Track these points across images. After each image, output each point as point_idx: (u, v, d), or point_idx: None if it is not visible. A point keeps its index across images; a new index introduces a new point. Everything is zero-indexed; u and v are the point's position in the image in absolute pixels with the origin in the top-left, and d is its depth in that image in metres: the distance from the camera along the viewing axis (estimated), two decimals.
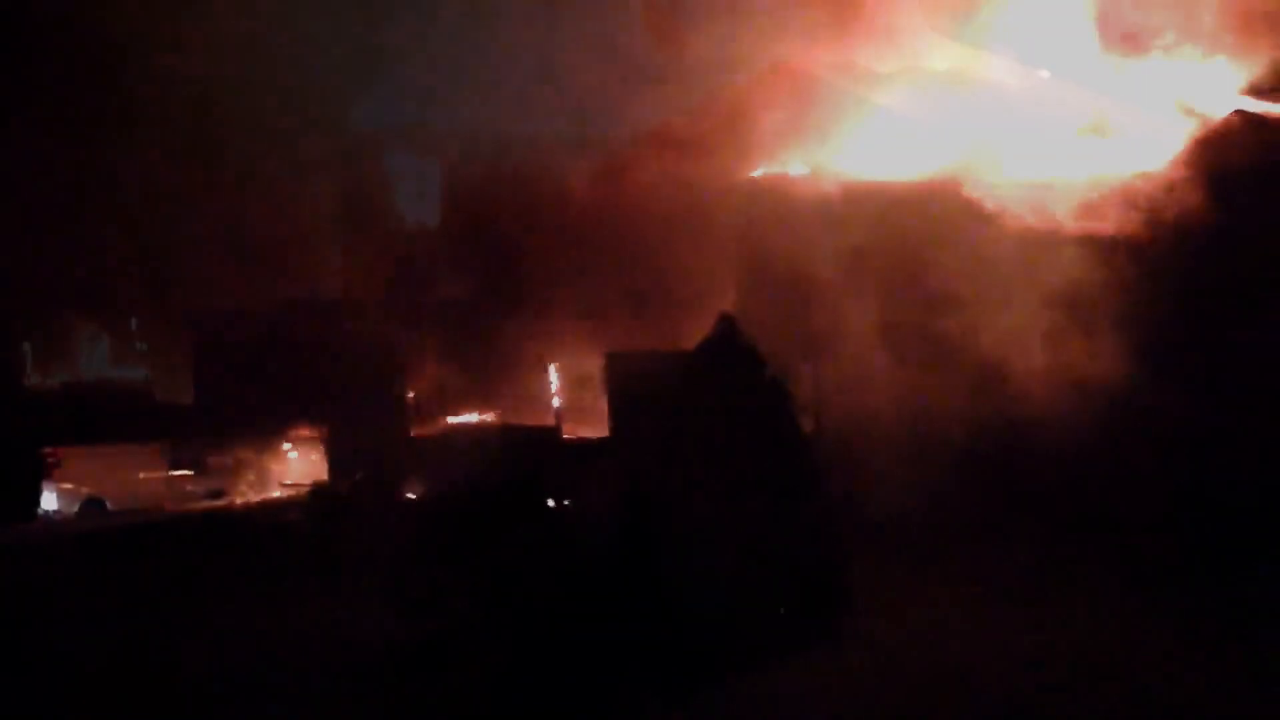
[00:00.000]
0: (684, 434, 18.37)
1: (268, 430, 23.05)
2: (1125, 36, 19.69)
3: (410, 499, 20.01)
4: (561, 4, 22.20)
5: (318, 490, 21.03)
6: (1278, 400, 18.17)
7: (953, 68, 20.81)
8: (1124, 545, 17.20)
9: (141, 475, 23.83)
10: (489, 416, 22.53)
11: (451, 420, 22.29)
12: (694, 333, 20.01)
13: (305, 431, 22.81)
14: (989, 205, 18.98)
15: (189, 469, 23.89)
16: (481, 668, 14.36)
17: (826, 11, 20.30)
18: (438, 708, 13.58)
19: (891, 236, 19.25)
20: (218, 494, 23.63)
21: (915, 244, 19.04)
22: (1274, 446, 18.03)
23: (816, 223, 19.82)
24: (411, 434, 21.71)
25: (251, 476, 23.41)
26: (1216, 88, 19.31)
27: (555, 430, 21.54)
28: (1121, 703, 12.42)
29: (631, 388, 20.74)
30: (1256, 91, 18.87)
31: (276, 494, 22.90)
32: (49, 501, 23.41)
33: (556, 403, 22.55)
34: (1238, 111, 18.92)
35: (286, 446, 23.47)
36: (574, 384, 22.87)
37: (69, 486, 23.52)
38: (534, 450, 20.29)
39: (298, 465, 23.19)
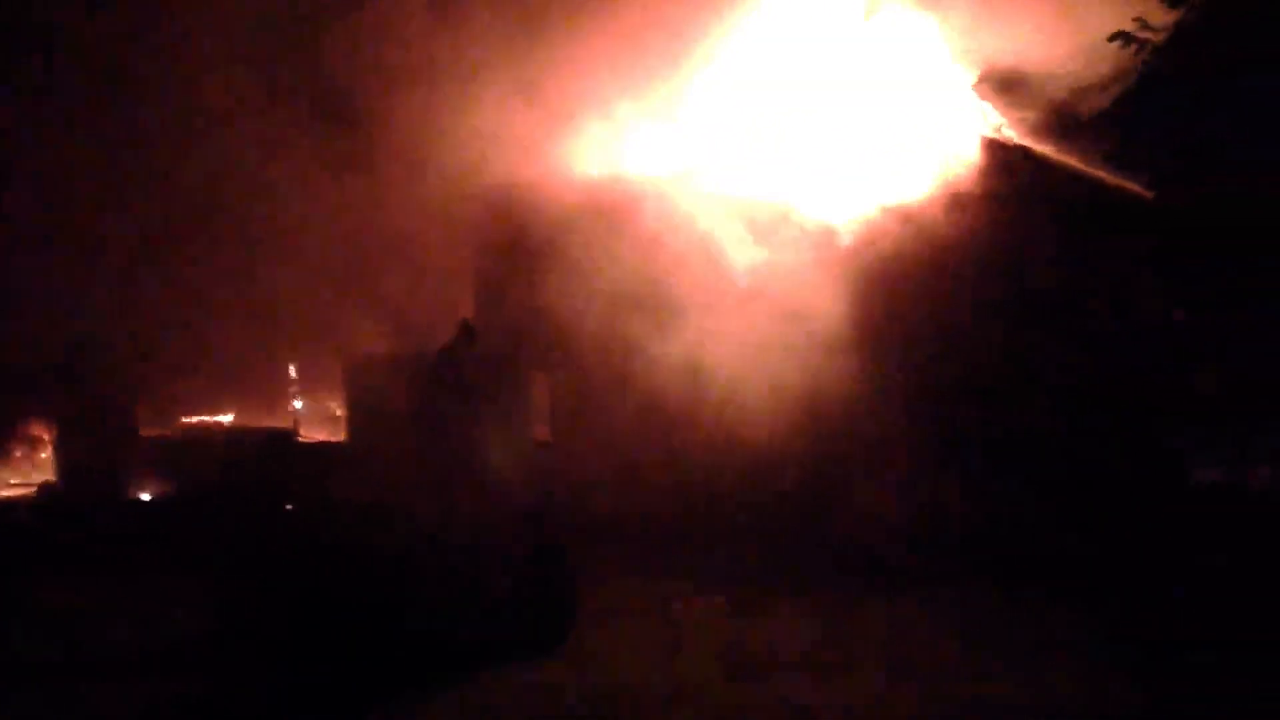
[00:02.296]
0: (420, 440, 18.61)
1: None
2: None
3: (141, 500, 19.80)
4: None
5: (45, 490, 20.56)
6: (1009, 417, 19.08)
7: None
8: (857, 553, 17.71)
9: None
10: (226, 417, 22.29)
11: (186, 421, 21.98)
12: (436, 338, 20.40)
13: (34, 430, 22.25)
14: (724, 217, 19.47)
15: None
16: (204, 673, 14.29)
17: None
18: (160, 713, 13.50)
19: (629, 245, 19.41)
20: None
21: (651, 254, 19.34)
22: (1007, 457, 18.88)
23: (553, 230, 20.01)
24: (142, 434, 21.28)
25: None
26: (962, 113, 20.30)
27: (290, 433, 21.44)
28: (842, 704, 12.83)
29: (370, 392, 20.88)
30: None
31: (3, 493, 22.29)
32: None
33: (297, 404, 22.44)
34: (982, 138, 19.78)
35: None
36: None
37: None
38: (267, 453, 20.17)
39: (26, 464, 22.58)
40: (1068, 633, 14.70)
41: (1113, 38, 17.87)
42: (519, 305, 20.62)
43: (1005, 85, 19.91)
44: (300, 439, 21.52)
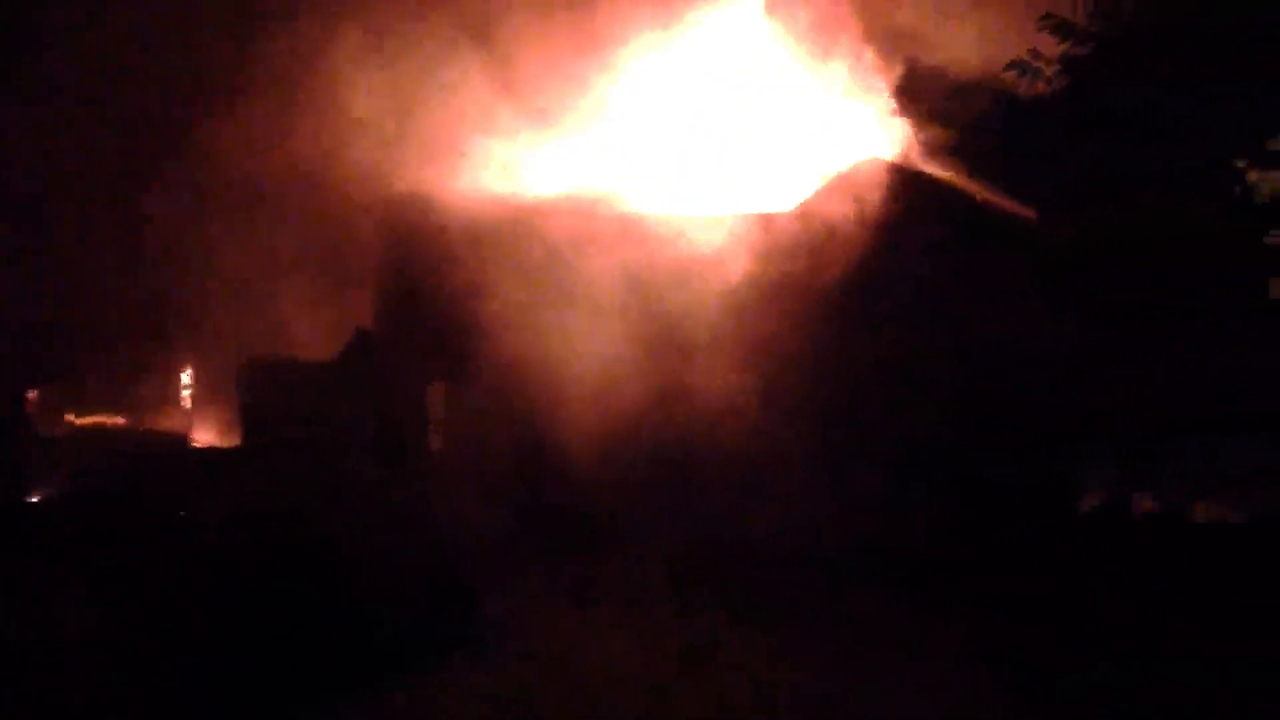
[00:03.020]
0: (315, 446, 18.63)
1: None
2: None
3: (31, 502, 19.58)
4: None
5: None
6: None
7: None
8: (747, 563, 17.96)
9: None
10: (118, 419, 22.07)
11: (77, 421, 21.74)
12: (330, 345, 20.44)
13: None
14: (622, 231, 19.64)
15: None
16: (92, 678, 14.26)
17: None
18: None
19: (529, 257, 19.56)
20: None
21: (549, 267, 19.49)
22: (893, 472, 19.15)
23: (453, 242, 20.07)
24: (37, 434, 21.06)
25: None
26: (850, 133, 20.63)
27: (183, 437, 21.32)
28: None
29: (266, 396, 20.79)
30: None
31: None
32: None
33: (188, 406, 22.30)
34: (872, 159, 20.03)
35: None
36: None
37: None
38: (159, 456, 20.05)
39: None
40: (932, 645, 15.02)
41: (1008, 67, 18.41)
42: (418, 316, 20.60)
43: (903, 105, 20.35)
44: (193, 443, 21.40)
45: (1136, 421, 18.18)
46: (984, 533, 18.22)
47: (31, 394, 21.45)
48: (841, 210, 19.23)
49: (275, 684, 14.13)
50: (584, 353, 18.84)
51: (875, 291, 19.45)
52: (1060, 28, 18.00)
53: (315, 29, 21.15)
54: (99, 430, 21.56)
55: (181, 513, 18.63)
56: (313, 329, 21.34)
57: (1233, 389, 16.63)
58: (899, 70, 20.04)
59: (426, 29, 20.71)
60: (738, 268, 19.18)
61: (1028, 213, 19.14)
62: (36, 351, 21.49)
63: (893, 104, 20.13)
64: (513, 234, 19.56)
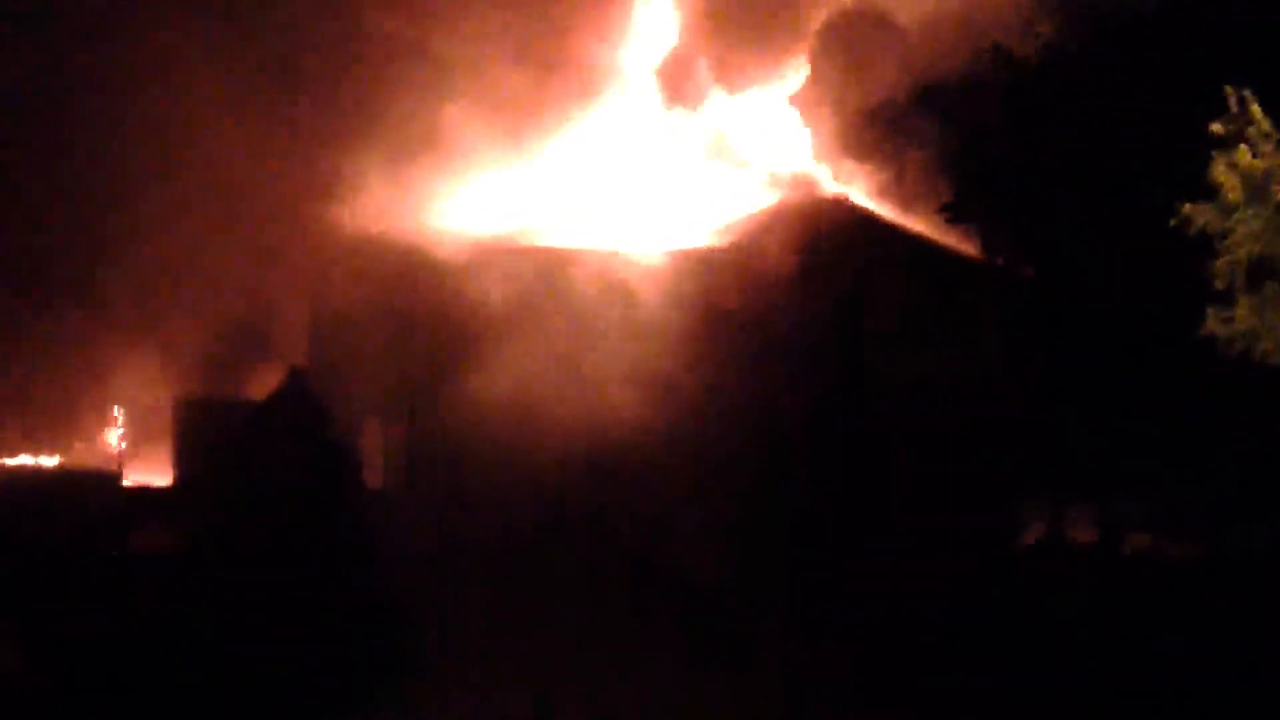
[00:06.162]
0: (247, 486, 18.42)
1: None
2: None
3: None
4: None
5: None
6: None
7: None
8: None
9: None
10: (50, 459, 21.76)
11: (5, 462, 21.41)
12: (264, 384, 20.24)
13: None
14: (556, 272, 19.80)
15: None
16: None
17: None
18: None
19: (463, 295, 19.41)
20: None
21: (483, 303, 19.37)
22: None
23: (392, 282, 20.15)
24: None
25: None
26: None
27: (114, 476, 21.01)
28: None
29: (200, 435, 20.57)
30: None
31: None
32: None
33: (120, 446, 22.00)
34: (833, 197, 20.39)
35: None
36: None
37: None
38: (90, 496, 19.75)
39: None
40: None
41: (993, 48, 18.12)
42: (355, 354, 20.55)
43: (845, 138, 20.56)
44: (123, 482, 21.09)
45: (1080, 455, 18.33)
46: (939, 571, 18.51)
47: None
48: (774, 245, 19.36)
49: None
50: (518, 386, 18.72)
51: (811, 325, 19.63)
52: (1003, 58, 17.77)
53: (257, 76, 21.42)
54: (29, 471, 21.23)
55: (113, 552, 18.39)
56: (245, 367, 21.27)
57: (1176, 422, 16.75)
58: (840, 101, 20.37)
59: (362, 70, 20.93)
60: (671, 302, 19.23)
61: (972, 248, 19.35)
62: None
63: (829, 138, 20.50)
64: (447, 272, 19.51)
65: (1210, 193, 11.04)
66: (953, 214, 18.46)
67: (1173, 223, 11.07)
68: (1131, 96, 15.95)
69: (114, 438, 21.94)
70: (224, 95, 21.02)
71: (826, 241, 19.75)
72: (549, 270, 19.90)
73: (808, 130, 21.14)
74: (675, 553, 18.43)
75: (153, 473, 21.35)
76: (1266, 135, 10.89)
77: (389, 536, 17.59)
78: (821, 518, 19.33)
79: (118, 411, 22.02)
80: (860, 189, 20.52)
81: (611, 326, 19.36)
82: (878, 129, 20.16)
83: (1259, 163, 10.87)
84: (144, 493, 20.70)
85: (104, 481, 20.48)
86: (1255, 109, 10.89)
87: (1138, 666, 14.83)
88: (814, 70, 21.27)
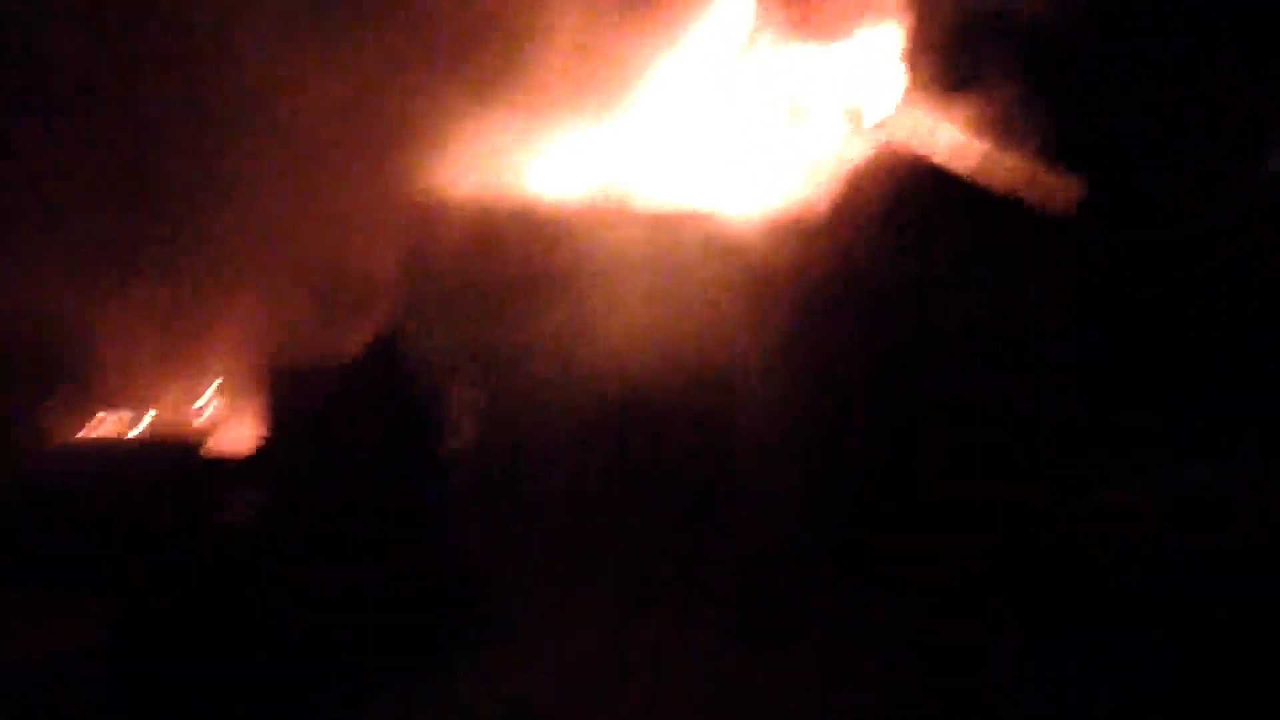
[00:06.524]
0: (336, 450, 18.46)
1: None
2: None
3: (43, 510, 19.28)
4: None
5: None
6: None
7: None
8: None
9: None
10: (138, 428, 21.81)
11: (97, 427, 21.52)
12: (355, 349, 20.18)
13: None
14: (643, 226, 19.40)
15: None
16: (103, 693, 14.11)
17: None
18: None
19: (550, 256, 19.28)
20: None
21: (570, 265, 19.20)
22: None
23: (484, 242, 19.87)
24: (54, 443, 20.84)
25: None
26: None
27: (203, 444, 21.02)
28: None
29: (289, 400, 20.49)
30: None
31: None
32: None
33: (209, 411, 22.01)
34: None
35: None
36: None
37: None
38: (182, 465, 19.80)
39: None
40: None
41: None
42: (445, 319, 20.33)
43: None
44: (213, 450, 21.07)
45: (1150, 419, 17.85)
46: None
47: (50, 400, 21.21)
48: (853, 202, 18.82)
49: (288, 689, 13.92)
50: (605, 350, 18.49)
51: (892, 279, 18.97)
52: None
53: (335, 30, 21.18)
54: (120, 441, 21.30)
55: (203, 519, 18.47)
56: (335, 333, 21.13)
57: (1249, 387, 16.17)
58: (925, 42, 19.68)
59: (441, 27, 20.64)
60: (758, 262, 18.71)
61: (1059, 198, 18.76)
62: (54, 354, 21.23)
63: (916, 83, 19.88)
64: (533, 232, 19.36)
65: None
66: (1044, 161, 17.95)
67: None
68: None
69: (203, 405, 21.96)
70: (311, 51, 20.93)
71: (913, 193, 19.03)
72: (642, 230, 19.46)
73: (894, 75, 20.47)
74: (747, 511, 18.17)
75: (242, 439, 21.37)
76: None
77: (476, 500, 17.62)
78: (887, 477, 18.76)
79: (207, 379, 22.02)
80: (948, 133, 19.85)
81: (703, 287, 18.85)
82: (966, 68, 19.54)
83: None
84: (232, 459, 20.71)
85: (192, 449, 20.53)
86: None
87: (1198, 638, 14.54)
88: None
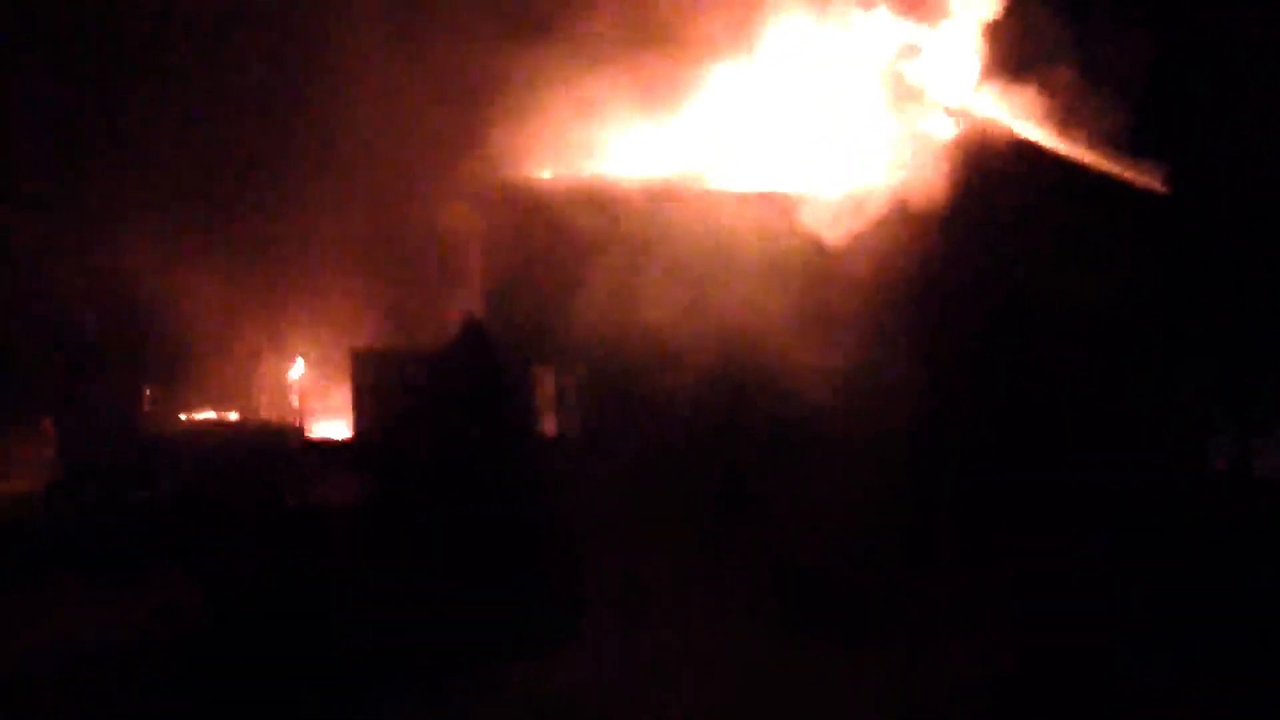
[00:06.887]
0: (424, 437, 18.56)
1: None
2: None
3: (142, 498, 19.61)
4: None
5: (51, 488, 20.38)
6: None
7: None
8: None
9: None
10: (230, 413, 22.09)
11: (187, 417, 21.80)
12: (441, 333, 20.35)
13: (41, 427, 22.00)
14: (728, 211, 19.56)
15: None
16: (207, 669, 14.35)
17: None
18: (161, 708, 13.53)
19: (638, 241, 19.48)
20: None
21: (658, 248, 19.35)
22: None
23: (563, 227, 20.00)
24: (148, 430, 21.11)
25: None
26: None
27: (296, 429, 21.30)
28: None
29: (377, 387, 20.81)
30: None
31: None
32: None
33: (301, 399, 22.28)
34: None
35: None
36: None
37: None
38: (271, 450, 20.06)
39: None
40: None
41: None
42: (527, 302, 20.53)
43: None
44: (303, 435, 21.38)
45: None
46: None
47: (146, 392, 21.53)
48: (939, 180, 18.89)
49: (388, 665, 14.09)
50: (685, 333, 18.68)
51: (972, 260, 19.24)
52: None
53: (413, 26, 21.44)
54: (212, 426, 21.58)
55: (295, 505, 18.66)
56: (420, 318, 21.39)
57: None
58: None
59: (515, 21, 20.83)
60: (830, 244, 18.87)
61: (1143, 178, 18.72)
62: (150, 348, 21.57)
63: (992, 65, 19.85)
64: (613, 218, 19.52)
65: None
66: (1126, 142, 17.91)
67: None
68: None
69: (295, 391, 22.22)
70: (391, 40, 21.19)
71: (989, 175, 19.15)
72: (724, 213, 19.64)
73: (970, 58, 20.41)
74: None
75: (334, 425, 21.67)
76: None
77: (564, 486, 17.72)
78: (985, 461, 18.89)
79: (299, 365, 22.28)
80: (1026, 116, 19.82)
81: (787, 270, 18.97)
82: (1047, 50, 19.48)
83: None
84: (324, 445, 21.02)
85: (285, 435, 20.83)
86: None
87: None
88: None
